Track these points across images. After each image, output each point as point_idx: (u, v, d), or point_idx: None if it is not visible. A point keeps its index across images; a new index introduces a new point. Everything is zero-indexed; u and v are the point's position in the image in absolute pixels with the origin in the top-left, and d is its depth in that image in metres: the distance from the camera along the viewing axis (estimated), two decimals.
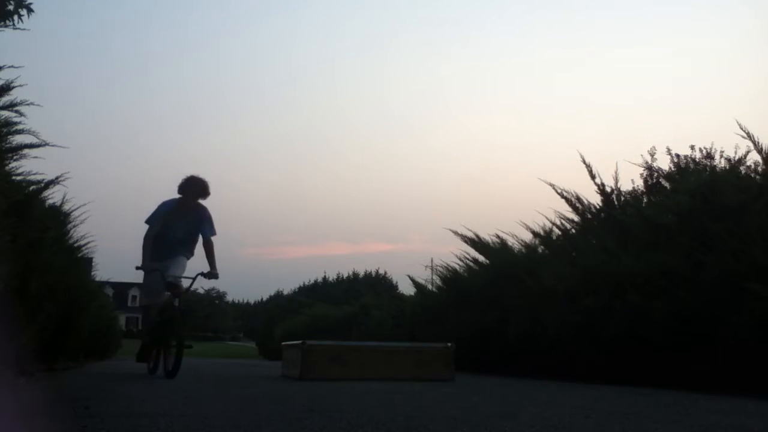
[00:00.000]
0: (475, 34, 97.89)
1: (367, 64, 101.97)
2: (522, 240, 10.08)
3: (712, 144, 7.90)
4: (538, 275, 8.37)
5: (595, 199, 8.66)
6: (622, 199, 8.45)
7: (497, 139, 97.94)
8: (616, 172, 8.54)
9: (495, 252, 10.53)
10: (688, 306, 5.89)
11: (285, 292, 57.27)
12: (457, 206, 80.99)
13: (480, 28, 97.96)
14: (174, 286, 6.49)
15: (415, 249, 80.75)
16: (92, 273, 12.25)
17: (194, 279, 6.77)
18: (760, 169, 6.46)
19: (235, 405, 3.70)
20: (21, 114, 5.63)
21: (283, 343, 8.10)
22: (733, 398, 4.60)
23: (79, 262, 9.66)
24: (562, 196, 8.89)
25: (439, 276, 12.42)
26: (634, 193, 8.48)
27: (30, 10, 4.71)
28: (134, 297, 73.03)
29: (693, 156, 8.06)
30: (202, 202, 6.93)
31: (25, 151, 5.82)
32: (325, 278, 58.37)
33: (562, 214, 9.10)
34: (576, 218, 8.95)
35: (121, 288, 65.65)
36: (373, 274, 56.74)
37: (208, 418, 3.07)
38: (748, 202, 5.77)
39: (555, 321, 7.61)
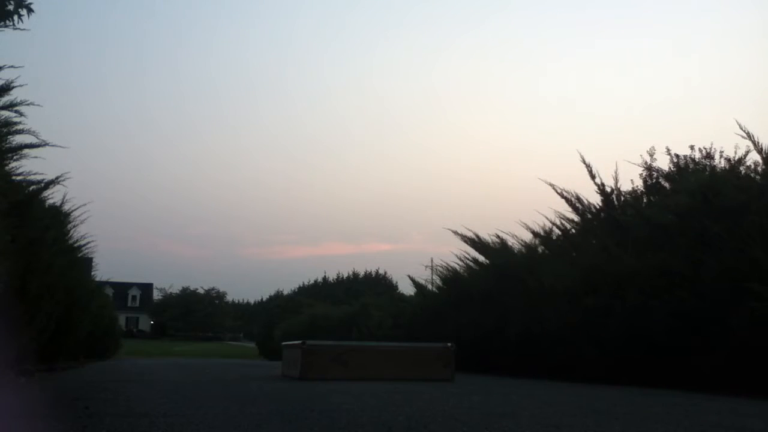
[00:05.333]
0: (473, 33, 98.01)
1: (366, 63, 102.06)
2: (522, 240, 10.09)
3: (712, 144, 7.90)
4: (538, 275, 8.37)
5: (595, 199, 8.66)
6: (622, 199, 8.45)
7: (497, 138, 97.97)
8: (615, 172, 8.55)
9: (495, 252, 10.53)
10: (687, 306, 5.89)
11: (285, 292, 57.25)
12: (457, 206, 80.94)
13: (479, 27, 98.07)
14: None
15: (415, 249, 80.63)
16: (92, 273, 12.27)
17: None
18: (760, 169, 6.46)
19: (235, 405, 3.70)
20: (21, 114, 5.64)
21: (283, 343, 8.10)
22: (733, 398, 4.60)
23: (79, 262, 9.66)
24: (562, 196, 8.89)
25: (439, 276, 12.43)
26: (634, 193, 8.47)
27: (30, 10, 4.70)
28: (134, 297, 73.02)
29: (692, 156, 8.06)
30: None
31: (25, 151, 5.84)
32: (325, 278, 58.44)
33: (562, 214, 9.10)
34: (576, 218, 8.95)
35: (121, 288, 65.66)
36: (373, 274, 56.79)
37: (208, 418, 3.07)
38: (748, 202, 5.77)
39: (555, 321, 7.61)
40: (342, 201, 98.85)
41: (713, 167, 7.55)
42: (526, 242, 9.99)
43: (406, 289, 16.10)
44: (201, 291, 73.43)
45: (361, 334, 15.24)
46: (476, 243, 10.94)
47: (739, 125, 6.31)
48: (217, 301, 74.34)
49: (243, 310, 79.05)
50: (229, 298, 78.01)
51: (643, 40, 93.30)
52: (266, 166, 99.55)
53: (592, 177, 8.62)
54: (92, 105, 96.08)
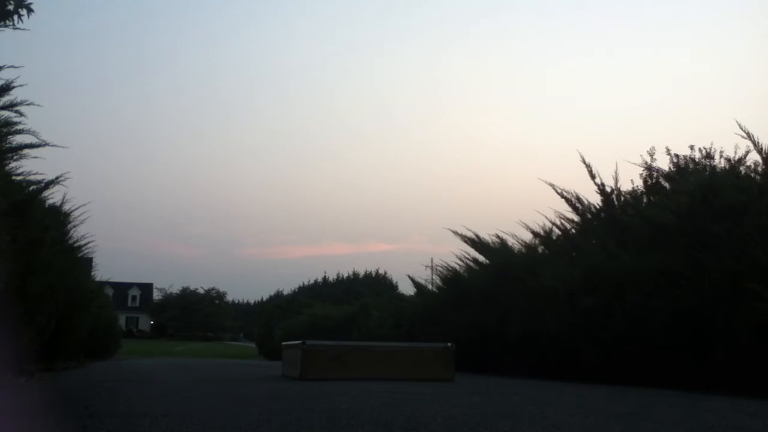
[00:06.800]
0: (473, 33, 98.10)
1: (366, 63, 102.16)
2: (522, 240, 10.10)
3: (712, 144, 7.89)
4: (538, 275, 8.37)
5: (595, 199, 8.66)
6: (622, 199, 8.44)
7: (497, 138, 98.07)
8: (616, 172, 8.55)
9: (495, 252, 10.53)
10: (687, 306, 5.89)
11: (285, 292, 57.24)
12: (457, 206, 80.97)
13: (479, 27, 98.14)
14: None
15: (415, 249, 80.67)
16: (92, 273, 12.27)
17: None
18: (760, 169, 6.46)
19: (235, 405, 3.70)
20: (21, 114, 5.65)
21: (283, 343, 8.10)
22: (733, 398, 4.60)
23: (79, 262, 9.67)
24: (562, 196, 8.89)
25: (439, 276, 12.44)
26: (634, 193, 8.47)
27: (30, 10, 4.71)
28: (134, 297, 73.03)
29: (692, 156, 8.05)
30: None
31: (25, 151, 5.84)
32: (325, 278, 58.34)
33: (562, 214, 9.11)
34: (576, 218, 8.95)
35: (121, 288, 65.67)
36: (373, 274, 56.70)
37: (208, 418, 3.07)
38: (748, 202, 5.77)
39: (555, 321, 7.61)
40: (342, 201, 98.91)
41: (713, 167, 7.55)
42: (526, 242, 10.01)
43: (406, 289, 16.12)
44: (201, 291, 73.40)
45: (361, 334, 15.24)
46: (476, 243, 10.94)
47: (739, 125, 6.32)
48: (217, 301, 74.30)
49: (243, 310, 79.08)
50: (229, 298, 78.06)
51: (643, 39, 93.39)
52: (266, 166, 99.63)
53: (592, 177, 8.62)
54: (92, 105, 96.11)
